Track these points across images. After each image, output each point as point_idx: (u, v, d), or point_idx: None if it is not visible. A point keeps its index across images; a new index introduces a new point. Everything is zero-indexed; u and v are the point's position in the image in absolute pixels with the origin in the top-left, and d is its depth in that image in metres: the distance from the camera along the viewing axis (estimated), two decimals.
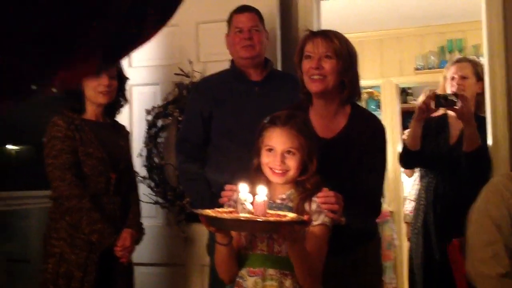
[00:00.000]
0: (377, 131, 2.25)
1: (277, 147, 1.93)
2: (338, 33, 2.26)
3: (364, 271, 2.24)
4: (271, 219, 1.71)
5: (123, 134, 2.87)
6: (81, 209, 2.48)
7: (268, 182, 1.92)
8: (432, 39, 6.12)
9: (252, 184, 1.81)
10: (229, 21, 2.84)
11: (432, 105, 2.92)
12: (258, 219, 1.69)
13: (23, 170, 3.69)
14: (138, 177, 3.09)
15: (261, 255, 1.89)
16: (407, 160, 3.20)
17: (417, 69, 6.14)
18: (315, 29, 3.56)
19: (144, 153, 3.31)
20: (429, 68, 5.99)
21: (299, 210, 1.87)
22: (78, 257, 2.49)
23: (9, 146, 3.71)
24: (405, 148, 3.14)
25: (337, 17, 5.28)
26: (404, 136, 3.49)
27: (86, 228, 2.49)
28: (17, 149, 3.80)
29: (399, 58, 6.16)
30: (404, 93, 6.85)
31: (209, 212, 1.77)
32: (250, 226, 1.76)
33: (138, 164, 3.20)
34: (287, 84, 2.86)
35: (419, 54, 6.14)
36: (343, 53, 2.19)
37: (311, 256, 1.83)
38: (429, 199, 3.07)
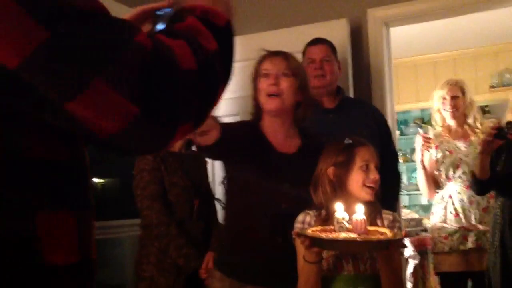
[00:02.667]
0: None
1: (371, 161, 2.02)
2: (293, 55, 2.27)
3: None
4: (382, 237, 1.72)
5: (202, 163, 3.01)
6: (168, 235, 2.65)
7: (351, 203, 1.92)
8: (506, 57, 6.05)
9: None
10: (304, 52, 2.99)
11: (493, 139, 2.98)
12: (372, 239, 1.70)
13: (109, 201, 3.90)
14: (220, 204, 3.23)
15: (348, 276, 1.92)
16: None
17: (492, 87, 6.07)
18: (385, 55, 3.68)
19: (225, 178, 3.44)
20: (504, 86, 5.92)
21: (374, 226, 1.90)
22: (167, 280, 2.66)
23: (95, 179, 3.95)
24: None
25: (407, 40, 5.35)
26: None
27: (173, 252, 2.65)
28: (102, 182, 4.02)
29: (474, 77, 6.12)
30: (482, 111, 6.75)
31: (313, 233, 1.76)
32: (360, 246, 1.74)
33: (220, 191, 3.33)
34: (359, 110, 2.98)
35: (494, 71, 6.08)
36: (300, 72, 2.22)
37: (395, 269, 1.87)
38: (506, 218, 3.07)
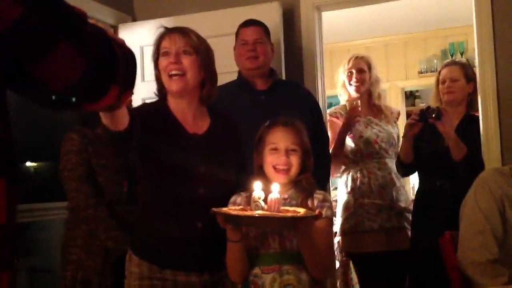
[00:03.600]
0: (237, 128, 2.28)
1: (281, 145, 2.03)
2: (194, 30, 2.18)
3: None
4: (290, 215, 1.77)
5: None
6: (97, 217, 2.61)
7: (268, 184, 1.94)
8: (435, 43, 6.25)
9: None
10: (237, 34, 2.99)
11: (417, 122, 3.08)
12: (277, 215, 1.74)
13: (41, 185, 3.83)
14: None
15: (275, 253, 1.95)
16: (404, 170, 3.34)
17: (420, 72, 6.27)
18: (317, 39, 3.72)
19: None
20: (432, 71, 6.09)
21: (303, 207, 1.93)
22: (95, 263, 2.62)
23: (28, 163, 3.86)
24: (399, 160, 3.28)
25: (341, 26, 5.45)
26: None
27: (102, 235, 2.61)
28: (35, 166, 3.94)
29: (404, 62, 6.29)
30: (412, 96, 6.97)
31: (227, 210, 1.82)
32: (269, 222, 1.80)
33: None
34: (291, 92, 3.01)
35: (423, 57, 6.27)
36: (201, 48, 2.13)
37: (320, 248, 1.92)
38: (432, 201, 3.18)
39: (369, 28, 5.94)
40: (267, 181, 1.97)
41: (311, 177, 2.08)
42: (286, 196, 2.03)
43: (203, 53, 2.13)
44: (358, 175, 3.39)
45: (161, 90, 2.20)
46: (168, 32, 2.16)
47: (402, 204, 3.38)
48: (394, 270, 3.31)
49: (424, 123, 3.07)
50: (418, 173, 3.38)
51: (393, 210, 3.34)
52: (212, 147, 2.15)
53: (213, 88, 2.20)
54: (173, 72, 2.09)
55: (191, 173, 2.09)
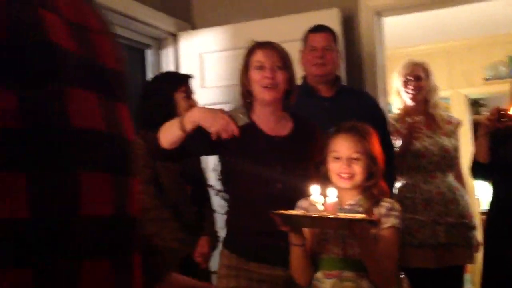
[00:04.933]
0: (319, 131, 2.36)
1: (343, 153, 2.03)
2: (279, 45, 2.37)
3: None
4: (342, 215, 1.80)
5: None
6: (162, 219, 2.67)
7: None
8: (501, 48, 6.01)
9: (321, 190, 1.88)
10: (304, 39, 2.97)
11: (494, 121, 2.90)
12: (330, 216, 1.77)
13: None
14: (214, 190, 3.21)
15: (336, 258, 1.96)
16: (478, 172, 3.16)
17: (487, 79, 6.04)
18: (378, 45, 3.65)
19: (219, 167, 3.44)
20: (499, 78, 5.87)
21: (368, 214, 1.94)
22: None
23: None
24: (475, 160, 3.10)
25: (399, 30, 5.31)
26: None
27: (167, 236, 2.66)
28: None
29: (468, 69, 6.08)
30: (477, 104, 6.71)
31: (283, 212, 1.87)
32: (323, 223, 1.86)
33: (213, 178, 3.32)
34: (356, 99, 2.98)
35: (488, 63, 6.04)
36: (290, 63, 2.33)
37: (383, 257, 1.90)
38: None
39: (429, 32, 5.77)
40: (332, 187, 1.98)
41: (382, 184, 2.07)
42: (353, 202, 2.04)
43: (291, 67, 2.33)
44: (402, 188, 3.24)
45: (247, 98, 2.36)
46: (260, 46, 2.32)
47: (453, 219, 3.17)
48: None
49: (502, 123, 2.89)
50: (495, 178, 3.14)
51: (440, 225, 3.15)
52: (294, 148, 2.29)
53: (294, 96, 2.37)
54: (267, 85, 2.27)
55: (270, 171, 2.22)
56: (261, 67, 2.28)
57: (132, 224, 0.92)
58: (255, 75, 2.29)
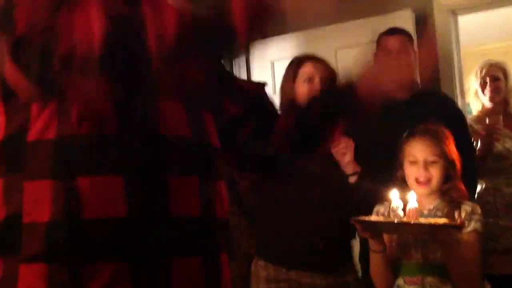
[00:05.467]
0: None
1: (420, 157, 1.98)
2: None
3: None
4: (426, 221, 1.75)
5: None
6: (240, 226, 2.67)
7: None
8: None
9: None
10: (378, 42, 2.88)
11: None
12: (412, 222, 1.73)
13: None
14: None
15: (417, 264, 1.92)
16: None
17: None
18: (453, 45, 3.58)
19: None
20: None
21: (448, 218, 1.87)
22: (239, 268, 2.66)
23: None
24: None
25: (474, 27, 5.14)
26: None
27: (245, 243, 2.65)
28: None
29: None
30: None
31: (364, 218, 1.84)
32: (405, 229, 1.81)
33: None
34: (433, 101, 2.87)
35: None
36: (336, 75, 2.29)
37: (467, 262, 1.85)
38: None
39: (507, 29, 5.55)
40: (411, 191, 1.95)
41: (460, 186, 2.01)
42: (431, 207, 1.99)
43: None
44: (483, 192, 3.11)
45: (285, 105, 2.28)
46: (309, 59, 2.30)
47: None
48: None
49: None
50: None
51: None
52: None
53: None
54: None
55: (308, 176, 2.19)
56: (309, 79, 2.25)
57: (219, 225, 0.97)
58: (301, 87, 2.26)
